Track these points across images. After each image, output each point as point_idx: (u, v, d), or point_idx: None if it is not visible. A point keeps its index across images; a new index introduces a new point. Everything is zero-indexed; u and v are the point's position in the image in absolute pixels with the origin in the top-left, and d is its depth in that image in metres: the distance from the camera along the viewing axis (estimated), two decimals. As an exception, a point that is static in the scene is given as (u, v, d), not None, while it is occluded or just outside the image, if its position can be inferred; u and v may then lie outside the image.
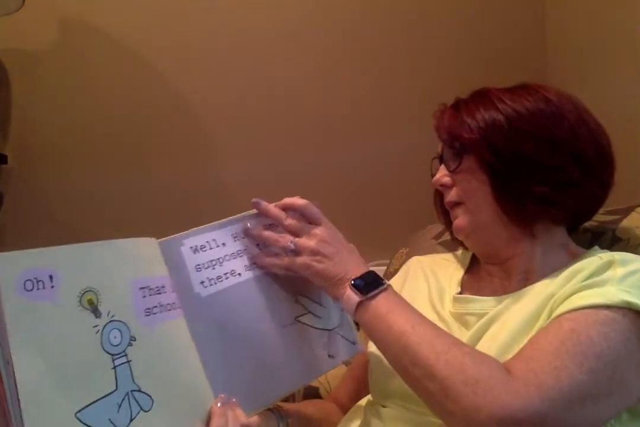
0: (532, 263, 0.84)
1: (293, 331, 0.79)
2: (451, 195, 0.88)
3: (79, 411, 0.54)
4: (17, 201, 1.55)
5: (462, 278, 0.93)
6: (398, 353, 0.70)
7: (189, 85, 1.63)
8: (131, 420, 0.57)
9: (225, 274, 0.74)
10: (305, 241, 0.77)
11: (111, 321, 0.58)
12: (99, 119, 1.59)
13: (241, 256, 0.77)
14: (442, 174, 0.89)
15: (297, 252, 0.77)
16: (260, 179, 1.61)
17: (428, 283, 0.94)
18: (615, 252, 0.80)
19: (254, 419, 0.66)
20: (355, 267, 0.77)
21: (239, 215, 0.79)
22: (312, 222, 0.80)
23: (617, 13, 1.48)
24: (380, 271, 1.26)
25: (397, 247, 1.26)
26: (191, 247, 0.72)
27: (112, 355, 0.58)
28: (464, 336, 0.79)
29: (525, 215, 0.83)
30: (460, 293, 0.89)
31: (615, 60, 1.49)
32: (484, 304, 0.83)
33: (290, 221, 0.79)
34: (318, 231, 0.78)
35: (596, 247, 0.86)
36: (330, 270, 0.76)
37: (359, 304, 0.74)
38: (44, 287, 0.54)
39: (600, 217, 0.93)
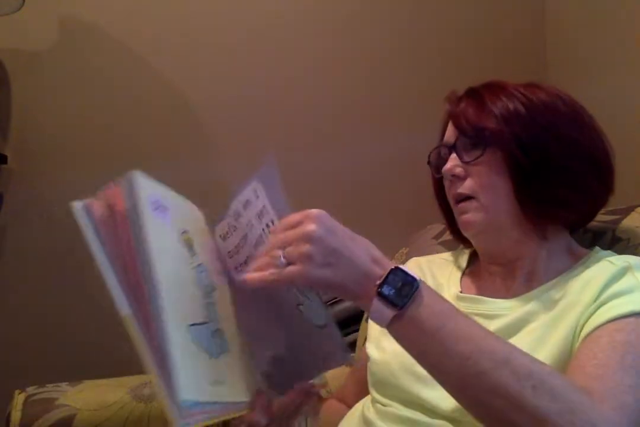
0: (536, 265, 0.84)
1: (299, 318, 0.70)
2: (463, 188, 0.83)
3: (191, 325, 0.59)
4: (17, 201, 1.55)
5: (462, 277, 0.92)
6: (466, 381, 0.59)
7: (189, 85, 1.63)
8: (219, 354, 0.61)
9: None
10: (295, 248, 0.59)
11: (200, 264, 0.64)
12: (99, 119, 1.59)
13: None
14: (455, 164, 0.84)
15: (289, 263, 0.59)
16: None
17: (427, 281, 0.93)
18: (625, 256, 0.80)
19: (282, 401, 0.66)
20: (371, 264, 0.61)
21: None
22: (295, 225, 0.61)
23: (617, 9, 1.48)
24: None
25: (397, 247, 1.25)
26: (220, 236, 0.72)
27: (203, 292, 0.63)
28: None
29: (545, 217, 0.82)
30: (461, 292, 0.88)
31: (614, 57, 1.49)
32: (493, 305, 0.82)
33: (274, 238, 0.61)
34: (306, 229, 0.60)
35: (597, 248, 0.86)
36: (341, 275, 0.60)
37: (394, 318, 0.60)
38: (163, 215, 0.62)
39: (600, 217, 0.93)
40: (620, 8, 1.47)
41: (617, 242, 0.92)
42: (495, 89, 0.85)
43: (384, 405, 0.83)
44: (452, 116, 0.87)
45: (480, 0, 1.76)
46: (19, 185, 1.56)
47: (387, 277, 0.60)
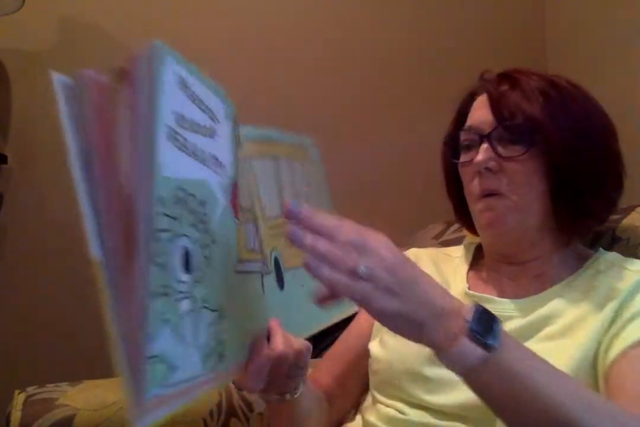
0: (548, 267, 0.82)
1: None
2: (496, 183, 0.77)
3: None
4: (17, 201, 1.55)
5: (468, 273, 0.90)
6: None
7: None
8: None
9: None
10: (376, 264, 0.53)
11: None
12: (99, 119, 1.58)
13: None
14: (489, 157, 0.77)
15: (365, 278, 0.52)
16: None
17: (430, 274, 0.89)
18: (638, 261, 0.79)
19: (306, 343, 0.63)
20: (448, 297, 0.55)
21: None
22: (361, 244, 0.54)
23: (617, 9, 1.48)
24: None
25: (397, 246, 1.25)
26: None
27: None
28: None
29: (575, 226, 0.80)
30: (469, 289, 0.86)
31: (615, 57, 1.48)
32: (504, 306, 0.80)
33: (346, 234, 0.54)
34: (381, 249, 0.54)
35: (601, 249, 0.85)
36: (414, 307, 0.53)
37: (483, 360, 0.53)
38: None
39: (600, 216, 0.93)
40: (621, 8, 1.47)
41: (617, 242, 0.92)
42: (540, 81, 0.79)
43: (387, 406, 0.82)
44: (493, 100, 0.79)
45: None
46: (19, 185, 1.56)
47: (474, 313, 0.54)
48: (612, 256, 0.82)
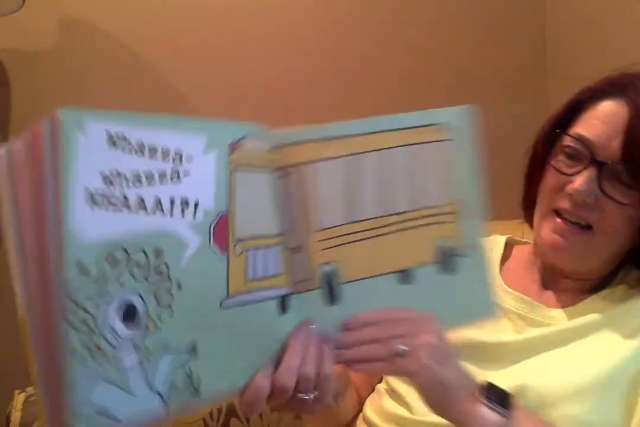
0: (592, 282, 0.78)
1: None
2: (585, 214, 0.70)
3: None
4: (17, 201, 1.55)
5: (500, 269, 0.85)
6: None
7: (189, 85, 1.63)
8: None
9: None
10: (422, 338, 0.57)
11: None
12: (99, 119, 1.59)
13: None
14: (591, 188, 0.68)
15: (409, 353, 0.56)
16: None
17: None
18: None
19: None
20: (467, 375, 0.60)
21: None
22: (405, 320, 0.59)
23: (618, 9, 1.48)
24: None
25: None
26: None
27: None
28: (510, 336, 0.75)
29: None
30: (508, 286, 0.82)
31: (615, 57, 1.48)
32: (541, 311, 0.77)
33: (401, 327, 0.58)
34: (429, 329, 0.58)
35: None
36: (455, 377, 0.58)
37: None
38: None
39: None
40: (622, 7, 1.47)
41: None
42: None
43: (399, 395, 0.78)
44: (633, 128, 0.66)
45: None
46: (19, 185, 1.56)
47: (489, 385, 0.60)
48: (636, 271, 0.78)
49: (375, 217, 0.59)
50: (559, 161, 0.74)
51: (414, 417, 0.75)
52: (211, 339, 0.53)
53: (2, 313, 1.54)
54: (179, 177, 0.52)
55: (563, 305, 0.77)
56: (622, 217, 0.69)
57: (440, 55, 1.72)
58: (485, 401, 0.58)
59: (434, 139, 0.63)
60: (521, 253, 0.87)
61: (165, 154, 0.52)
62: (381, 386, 0.84)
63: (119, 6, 1.58)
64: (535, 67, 1.74)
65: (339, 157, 0.59)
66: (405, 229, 0.60)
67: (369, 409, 0.83)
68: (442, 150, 0.62)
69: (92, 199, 0.46)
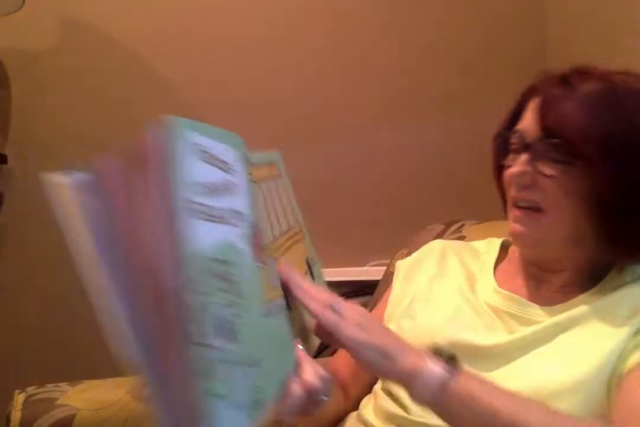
0: (579, 278, 0.79)
1: None
2: (528, 195, 0.75)
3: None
4: (17, 201, 1.55)
5: (495, 270, 0.88)
6: None
7: (190, 85, 1.63)
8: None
9: None
10: (349, 307, 0.62)
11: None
12: (99, 119, 1.58)
13: None
14: (524, 170, 0.74)
15: (338, 312, 0.61)
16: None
17: (455, 266, 0.89)
18: None
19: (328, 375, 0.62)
20: (403, 340, 0.63)
21: None
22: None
23: (618, 9, 1.48)
24: (380, 271, 1.26)
25: (397, 247, 1.26)
26: None
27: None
28: (502, 335, 0.76)
29: (621, 248, 0.76)
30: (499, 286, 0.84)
31: (615, 57, 1.48)
32: (530, 309, 0.78)
33: (325, 294, 0.63)
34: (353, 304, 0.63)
35: None
36: (386, 336, 0.62)
37: (443, 381, 0.60)
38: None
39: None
40: (622, 7, 1.47)
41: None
42: (608, 96, 0.72)
43: (391, 396, 0.80)
44: (542, 109, 0.74)
45: None
46: (19, 185, 1.56)
47: (435, 345, 0.63)
48: (638, 268, 0.79)
49: (287, 232, 0.67)
50: (509, 159, 0.79)
51: (411, 417, 0.76)
52: (262, 349, 0.52)
53: (2, 313, 1.54)
54: (231, 188, 0.52)
55: (554, 302, 0.78)
56: (562, 191, 0.73)
57: (441, 56, 1.72)
58: (431, 358, 0.61)
59: (276, 174, 0.70)
60: (514, 254, 0.89)
61: (229, 165, 0.52)
62: (377, 387, 0.85)
63: (119, 6, 1.59)
64: (536, 67, 1.74)
65: (261, 181, 0.63)
66: (295, 243, 0.69)
67: (365, 410, 0.84)
68: (283, 183, 0.71)
69: (190, 210, 0.45)
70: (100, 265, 0.44)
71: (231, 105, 1.64)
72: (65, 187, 0.45)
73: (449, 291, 0.84)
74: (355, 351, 0.60)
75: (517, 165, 0.75)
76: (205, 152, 0.48)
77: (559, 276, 0.80)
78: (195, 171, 0.46)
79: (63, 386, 1.04)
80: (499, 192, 0.85)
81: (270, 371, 0.53)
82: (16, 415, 0.98)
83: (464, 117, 1.66)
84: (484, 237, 0.97)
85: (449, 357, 0.62)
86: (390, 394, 0.81)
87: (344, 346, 0.60)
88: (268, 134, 1.66)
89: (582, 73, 0.76)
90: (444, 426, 0.69)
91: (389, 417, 0.79)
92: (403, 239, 1.27)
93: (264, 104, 1.65)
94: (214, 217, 0.48)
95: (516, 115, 0.82)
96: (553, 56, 1.73)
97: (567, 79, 0.75)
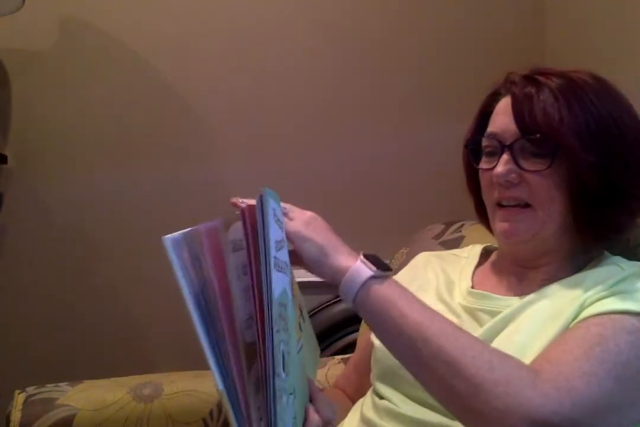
0: (561, 272, 0.81)
1: None
2: (516, 192, 0.78)
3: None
4: (17, 201, 1.55)
5: (474, 272, 0.90)
6: (414, 345, 0.64)
7: (189, 85, 1.63)
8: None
9: None
10: (300, 210, 0.72)
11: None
12: (99, 119, 1.59)
13: None
14: (509, 169, 0.77)
15: (289, 215, 0.70)
16: (259, 179, 1.61)
17: (436, 275, 0.91)
18: (635, 262, 0.79)
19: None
20: (342, 243, 0.70)
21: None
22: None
23: (618, 8, 1.48)
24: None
25: (397, 247, 1.25)
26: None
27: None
28: (475, 331, 0.77)
29: (599, 241, 0.81)
30: (472, 287, 0.86)
31: (615, 57, 1.49)
32: (500, 302, 0.81)
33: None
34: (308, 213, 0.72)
35: (606, 252, 0.84)
36: (329, 237, 0.69)
37: (368, 280, 0.65)
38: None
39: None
40: (622, 7, 1.47)
41: (618, 242, 0.92)
42: (570, 90, 0.76)
43: (381, 397, 0.82)
44: (516, 109, 0.77)
45: None
46: (19, 185, 1.56)
47: (371, 253, 0.68)
48: (615, 258, 0.82)
49: None
50: (484, 162, 0.82)
51: (404, 413, 0.78)
52: (297, 381, 0.59)
53: (2, 313, 1.54)
54: (285, 241, 0.62)
55: (527, 293, 0.80)
56: (547, 184, 0.76)
57: (441, 56, 1.72)
58: (363, 260, 0.67)
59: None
60: (495, 257, 0.92)
61: (281, 223, 0.62)
62: (371, 389, 0.87)
63: (119, 6, 1.59)
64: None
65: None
66: None
67: (365, 409, 0.85)
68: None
69: (275, 264, 0.54)
70: (194, 311, 0.52)
71: (233, 105, 1.64)
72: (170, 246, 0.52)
73: (429, 297, 0.86)
74: (298, 245, 0.68)
75: (501, 165, 0.77)
76: (274, 214, 0.57)
77: (541, 271, 0.82)
78: (273, 231, 0.55)
79: (63, 386, 1.04)
80: (472, 196, 0.89)
81: (299, 401, 0.59)
82: (16, 415, 0.97)
83: (464, 117, 1.66)
84: (483, 237, 0.97)
85: (382, 264, 0.67)
86: (383, 395, 0.83)
87: (290, 241, 0.67)
88: (268, 134, 1.66)
89: (542, 73, 0.80)
90: (436, 423, 0.72)
91: (386, 411, 0.81)
92: (403, 239, 1.27)
93: (264, 105, 1.65)
94: (280, 267, 0.56)
95: (483, 119, 0.85)
96: (553, 56, 1.73)
97: (531, 78, 0.79)
